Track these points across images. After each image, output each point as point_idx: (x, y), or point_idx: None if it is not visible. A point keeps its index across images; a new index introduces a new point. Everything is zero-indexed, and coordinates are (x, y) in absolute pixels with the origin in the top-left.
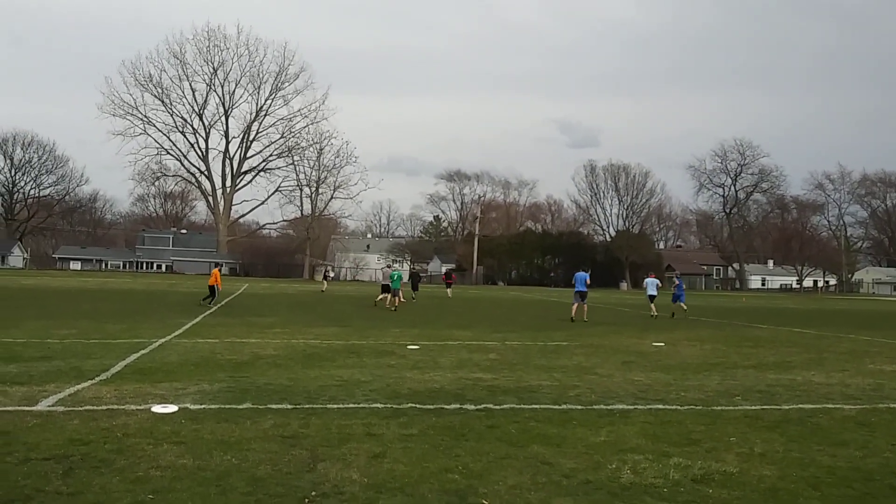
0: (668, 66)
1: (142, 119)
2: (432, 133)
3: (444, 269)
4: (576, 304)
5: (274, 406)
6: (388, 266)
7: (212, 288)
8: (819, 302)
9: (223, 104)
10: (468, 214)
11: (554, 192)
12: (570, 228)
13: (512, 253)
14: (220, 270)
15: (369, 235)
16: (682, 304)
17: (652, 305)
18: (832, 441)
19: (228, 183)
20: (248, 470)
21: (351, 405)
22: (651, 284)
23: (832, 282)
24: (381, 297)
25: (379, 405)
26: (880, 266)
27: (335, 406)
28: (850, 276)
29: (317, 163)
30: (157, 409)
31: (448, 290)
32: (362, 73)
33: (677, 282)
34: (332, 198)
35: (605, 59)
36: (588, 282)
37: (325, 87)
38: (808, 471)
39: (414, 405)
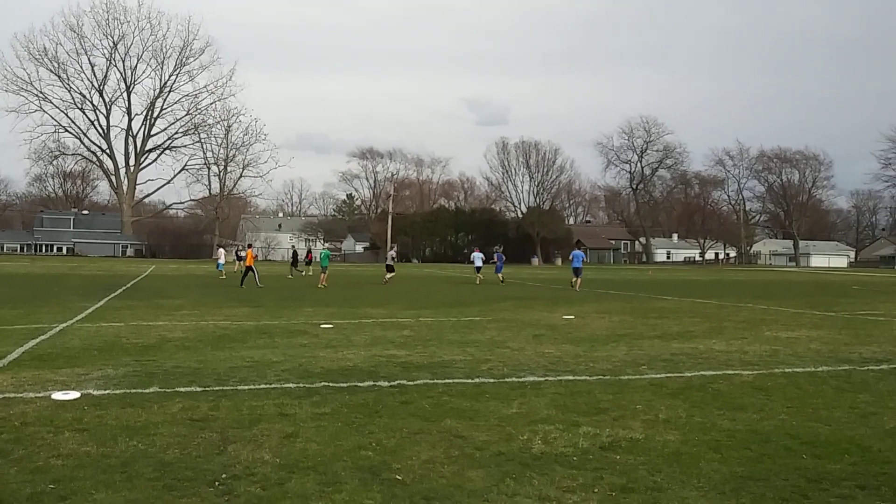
0: (575, 45)
1: (37, 95)
2: (342, 111)
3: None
4: (575, 277)
5: (182, 389)
6: (391, 248)
7: (248, 269)
8: (720, 273)
9: (125, 80)
10: (381, 192)
11: (466, 170)
12: (482, 205)
13: (426, 230)
14: (252, 250)
15: (281, 214)
16: (500, 275)
17: (479, 275)
18: (732, 406)
19: (132, 161)
20: (156, 455)
21: (262, 386)
22: (477, 258)
23: (732, 254)
24: (388, 276)
25: (291, 385)
26: (776, 238)
27: (246, 387)
28: (748, 248)
29: (224, 140)
30: (58, 395)
31: (309, 267)
32: (268, 48)
33: (495, 257)
34: (241, 176)
35: (513, 39)
36: (585, 259)
37: (232, 62)
38: (709, 435)
39: (327, 384)
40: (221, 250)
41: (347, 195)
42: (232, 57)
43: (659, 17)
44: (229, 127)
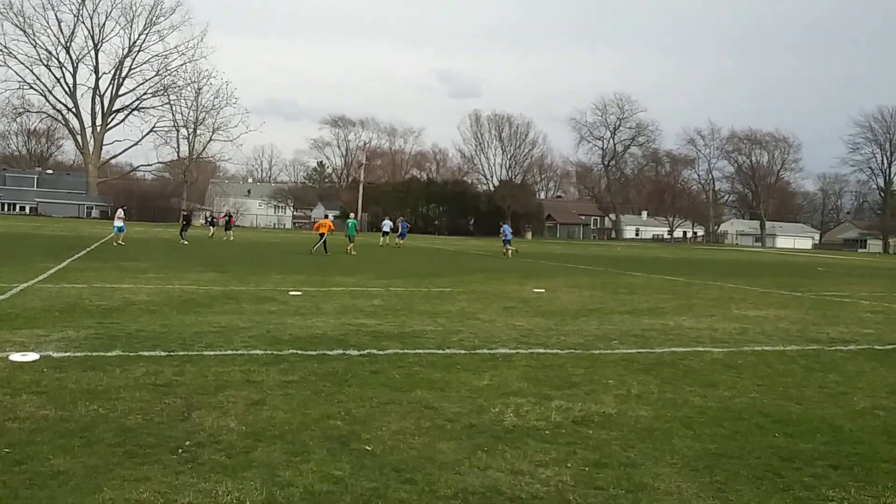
0: (547, 19)
1: (1, 50)
2: (312, 77)
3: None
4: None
5: (146, 353)
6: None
7: (322, 237)
8: (688, 251)
9: (92, 37)
10: (353, 161)
11: (439, 141)
12: (454, 177)
13: (397, 200)
14: (329, 219)
15: (250, 180)
16: (399, 241)
17: (384, 239)
18: (703, 382)
19: (99, 121)
20: (117, 420)
21: (229, 352)
22: (386, 225)
23: (700, 233)
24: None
25: (258, 351)
26: (743, 219)
27: (212, 353)
28: (716, 227)
29: (195, 103)
30: (16, 357)
31: (229, 232)
32: (237, 10)
33: (400, 226)
34: (210, 140)
35: (484, 11)
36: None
37: (204, 23)
38: (681, 411)
39: (295, 351)
40: (120, 210)
41: (318, 163)
42: (203, 18)
43: None
44: (199, 89)
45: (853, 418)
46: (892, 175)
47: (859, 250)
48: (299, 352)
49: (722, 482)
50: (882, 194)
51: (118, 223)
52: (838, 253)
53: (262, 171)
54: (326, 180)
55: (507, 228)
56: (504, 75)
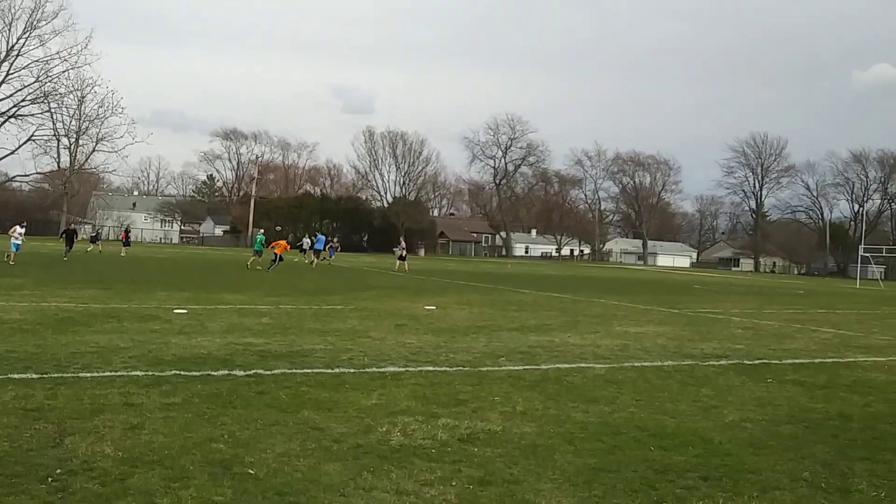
0: (441, 39)
1: None
2: (200, 89)
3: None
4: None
5: (16, 376)
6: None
7: (278, 256)
8: (575, 269)
9: None
10: (245, 175)
11: (334, 157)
12: (349, 193)
13: (290, 216)
14: (286, 242)
15: (136, 193)
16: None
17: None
18: (585, 398)
19: None
20: None
21: (107, 373)
22: (320, 241)
23: (586, 251)
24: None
25: (139, 373)
26: (627, 238)
27: (88, 375)
28: (601, 245)
29: (77, 111)
30: None
31: (124, 248)
32: (124, 18)
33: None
34: (93, 150)
35: (379, 27)
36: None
37: (89, 29)
38: (563, 427)
39: (178, 372)
40: (18, 227)
41: (208, 176)
42: (87, 23)
43: (523, 20)
44: (83, 98)
45: (723, 431)
46: (763, 198)
47: (733, 269)
48: (182, 373)
49: (600, 496)
50: (754, 216)
51: (17, 241)
52: (713, 271)
53: (148, 183)
54: (216, 194)
55: (321, 238)
56: (398, 93)
